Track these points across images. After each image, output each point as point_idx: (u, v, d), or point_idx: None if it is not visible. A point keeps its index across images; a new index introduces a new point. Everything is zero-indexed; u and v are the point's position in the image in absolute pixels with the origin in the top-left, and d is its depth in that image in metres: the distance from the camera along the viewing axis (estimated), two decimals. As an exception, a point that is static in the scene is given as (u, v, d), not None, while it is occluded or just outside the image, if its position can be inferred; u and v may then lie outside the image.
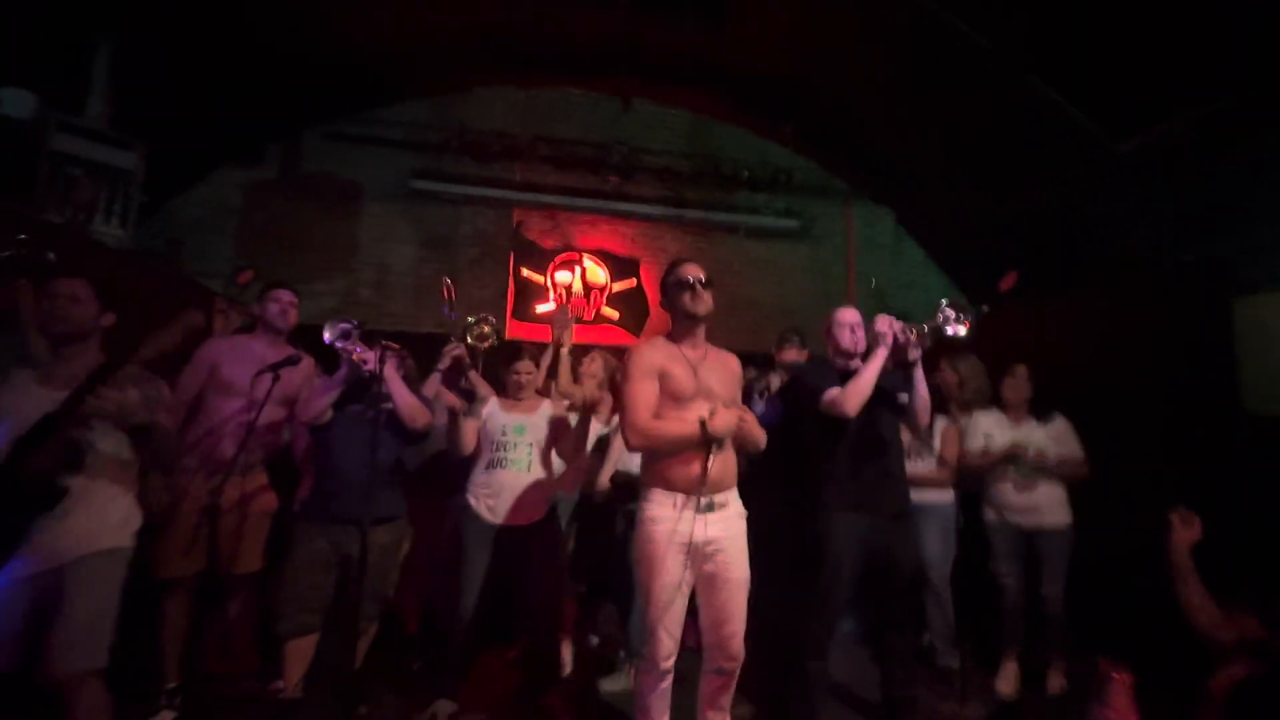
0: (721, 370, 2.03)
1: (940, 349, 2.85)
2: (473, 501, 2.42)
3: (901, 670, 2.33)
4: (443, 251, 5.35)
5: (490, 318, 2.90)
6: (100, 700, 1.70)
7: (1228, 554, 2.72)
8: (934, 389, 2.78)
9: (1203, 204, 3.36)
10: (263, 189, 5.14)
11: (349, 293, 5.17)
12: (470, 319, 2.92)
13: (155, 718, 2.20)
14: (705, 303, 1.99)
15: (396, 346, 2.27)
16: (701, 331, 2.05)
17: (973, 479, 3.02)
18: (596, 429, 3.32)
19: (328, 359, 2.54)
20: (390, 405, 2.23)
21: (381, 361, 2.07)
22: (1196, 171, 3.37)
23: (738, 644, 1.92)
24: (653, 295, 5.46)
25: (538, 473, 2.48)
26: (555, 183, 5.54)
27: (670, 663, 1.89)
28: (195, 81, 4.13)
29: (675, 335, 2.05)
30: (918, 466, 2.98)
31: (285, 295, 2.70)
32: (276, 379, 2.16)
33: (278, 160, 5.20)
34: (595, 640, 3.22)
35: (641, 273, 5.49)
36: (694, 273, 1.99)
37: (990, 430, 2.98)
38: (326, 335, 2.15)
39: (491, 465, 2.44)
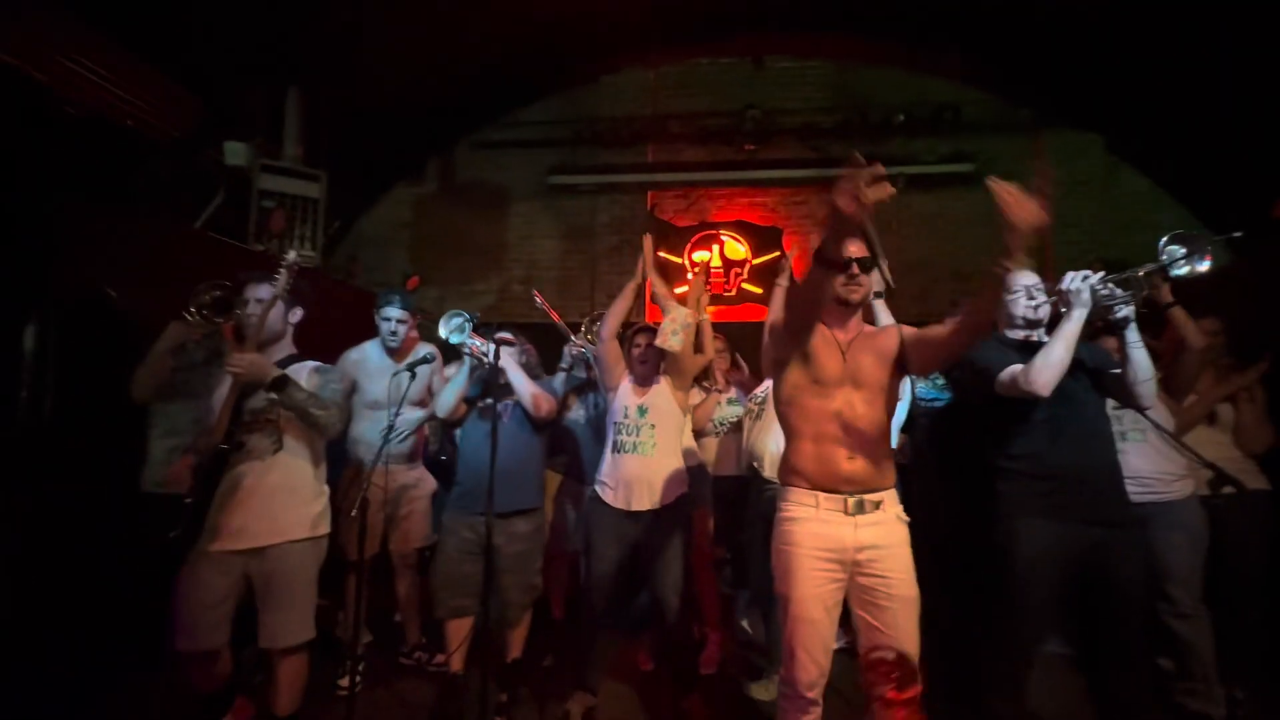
0: (873, 351, 1.72)
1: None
2: (599, 488, 2.38)
3: (1132, 726, 1.82)
4: (583, 242, 5.47)
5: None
6: None
7: None
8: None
9: None
10: (427, 201, 5.67)
11: (503, 289, 5.52)
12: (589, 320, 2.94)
13: (341, 679, 2.50)
14: (864, 289, 1.71)
15: (510, 338, 2.30)
16: (857, 317, 1.76)
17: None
18: (732, 410, 3.15)
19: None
20: (514, 398, 2.26)
21: (496, 355, 2.10)
22: None
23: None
24: (799, 265, 5.07)
25: (663, 456, 2.35)
26: (688, 159, 5.37)
27: (815, 693, 1.63)
28: (368, 113, 4.64)
29: (825, 317, 1.76)
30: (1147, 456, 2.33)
31: (394, 313, 2.66)
32: (412, 378, 2.30)
33: (437, 173, 5.70)
34: (742, 637, 3.06)
35: (785, 242, 5.09)
36: (853, 252, 1.69)
37: None
38: (442, 330, 2.22)
39: (616, 449, 2.38)
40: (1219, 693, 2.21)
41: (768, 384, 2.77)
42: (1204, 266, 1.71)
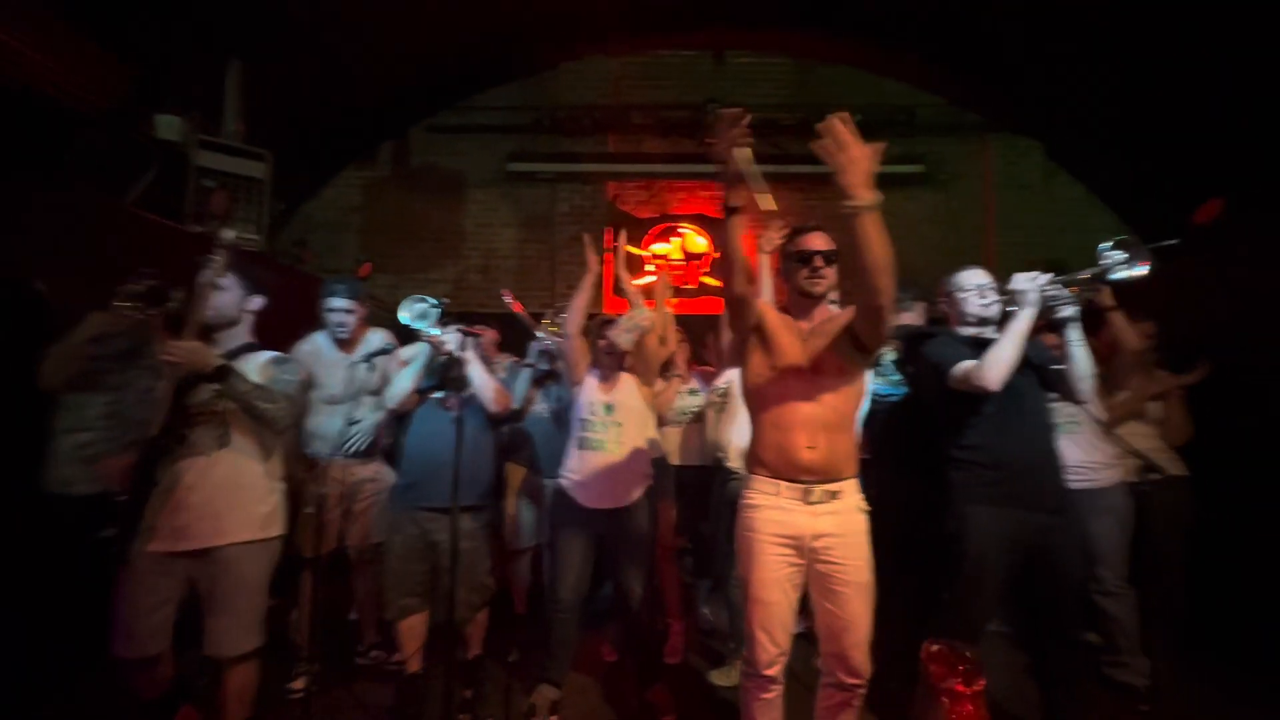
0: (829, 336, 1.73)
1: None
2: (564, 483, 2.36)
3: (1070, 700, 1.94)
4: (542, 231, 5.40)
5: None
6: None
7: None
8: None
9: None
10: (379, 186, 5.46)
11: (459, 278, 5.38)
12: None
13: (294, 682, 2.40)
14: (827, 281, 1.73)
15: (477, 331, 2.24)
16: (820, 308, 1.78)
17: None
18: (692, 400, 3.19)
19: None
20: (471, 390, 2.22)
21: (464, 347, 2.05)
22: None
23: (860, 658, 1.66)
24: (757, 259, 5.15)
25: (630, 452, 2.34)
26: (649, 151, 5.35)
27: (775, 670, 1.69)
28: (316, 91, 4.41)
29: (790, 307, 1.81)
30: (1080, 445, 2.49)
31: (339, 303, 2.52)
32: (371, 369, 2.22)
33: (391, 157, 5.49)
34: (703, 625, 3.12)
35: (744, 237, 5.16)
36: (816, 245, 1.72)
37: None
38: (403, 316, 2.14)
39: (581, 446, 2.35)
40: (1143, 663, 2.39)
41: (729, 375, 2.82)
42: (1141, 272, 1.83)
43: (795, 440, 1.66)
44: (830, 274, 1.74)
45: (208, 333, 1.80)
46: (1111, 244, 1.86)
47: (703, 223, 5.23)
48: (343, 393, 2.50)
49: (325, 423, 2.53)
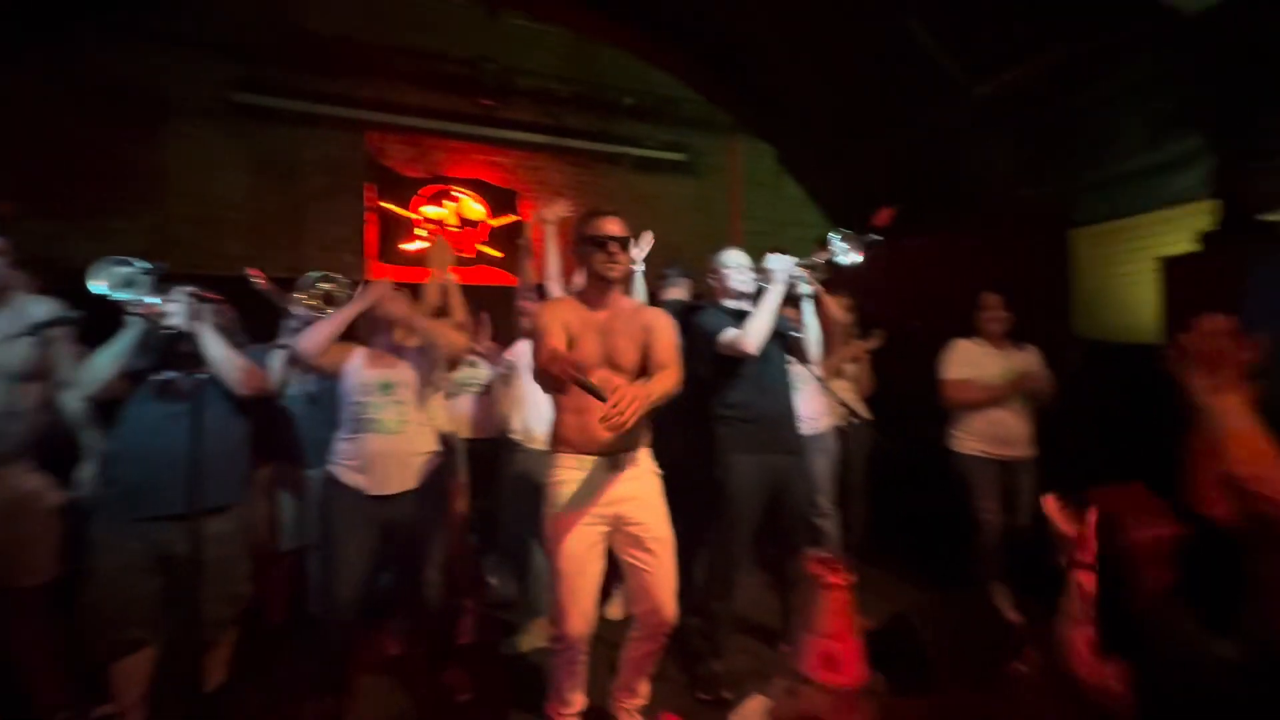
0: (627, 335, 1.83)
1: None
2: (339, 472, 2.08)
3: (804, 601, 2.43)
4: (283, 181, 4.55)
5: (336, 277, 2.32)
6: None
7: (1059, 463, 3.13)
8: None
9: (1050, 144, 3.65)
10: (29, 98, 3.96)
11: (161, 231, 4.24)
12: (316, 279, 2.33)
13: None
14: (622, 266, 1.83)
15: (215, 297, 1.83)
16: (614, 293, 1.88)
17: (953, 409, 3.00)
18: (471, 372, 3.10)
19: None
20: (208, 370, 1.82)
21: (197, 316, 1.65)
22: (1045, 115, 3.63)
23: (670, 609, 1.83)
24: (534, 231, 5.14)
25: (415, 432, 2.16)
26: (418, 103, 4.87)
27: (584, 643, 1.80)
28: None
29: (585, 294, 1.88)
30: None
31: None
32: (43, 343, 1.65)
33: (44, 61, 4.02)
34: (491, 598, 3.09)
35: (521, 207, 5.09)
36: (612, 230, 1.80)
37: (978, 359, 2.93)
38: (98, 283, 1.62)
39: (357, 429, 2.09)
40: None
41: (516, 350, 2.80)
42: (858, 259, 2.33)
43: (594, 422, 1.73)
44: (625, 259, 1.85)
45: None
46: (840, 236, 2.32)
47: (478, 188, 4.99)
48: None
49: None
